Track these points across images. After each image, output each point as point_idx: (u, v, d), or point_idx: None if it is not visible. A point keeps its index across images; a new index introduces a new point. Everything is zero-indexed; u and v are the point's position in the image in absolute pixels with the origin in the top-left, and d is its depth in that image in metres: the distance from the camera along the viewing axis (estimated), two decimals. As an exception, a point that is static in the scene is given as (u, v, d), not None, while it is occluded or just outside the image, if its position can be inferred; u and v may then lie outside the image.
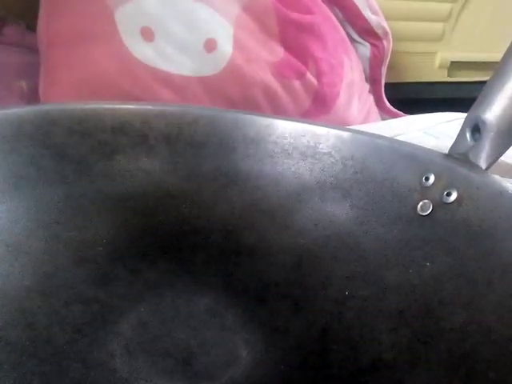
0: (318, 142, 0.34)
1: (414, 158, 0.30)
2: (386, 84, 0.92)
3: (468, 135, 0.29)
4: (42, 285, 0.28)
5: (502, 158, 0.28)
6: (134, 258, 0.31)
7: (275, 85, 0.69)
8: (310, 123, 0.35)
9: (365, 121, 0.83)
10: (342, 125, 0.70)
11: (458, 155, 0.29)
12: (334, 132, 0.33)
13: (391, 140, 0.34)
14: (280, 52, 0.71)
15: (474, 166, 0.28)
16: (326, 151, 0.34)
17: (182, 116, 0.35)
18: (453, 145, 0.30)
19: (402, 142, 0.33)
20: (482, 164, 0.28)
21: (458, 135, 0.30)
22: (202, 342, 0.26)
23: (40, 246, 0.30)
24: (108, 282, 0.29)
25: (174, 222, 0.33)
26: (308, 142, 0.34)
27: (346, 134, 0.33)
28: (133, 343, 0.25)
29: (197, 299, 0.29)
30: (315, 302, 0.28)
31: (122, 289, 0.28)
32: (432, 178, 0.29)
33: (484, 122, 0.28)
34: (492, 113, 0.28)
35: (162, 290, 0.29)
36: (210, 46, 0.65)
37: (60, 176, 0.32)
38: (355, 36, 0.87)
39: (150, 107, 0.35)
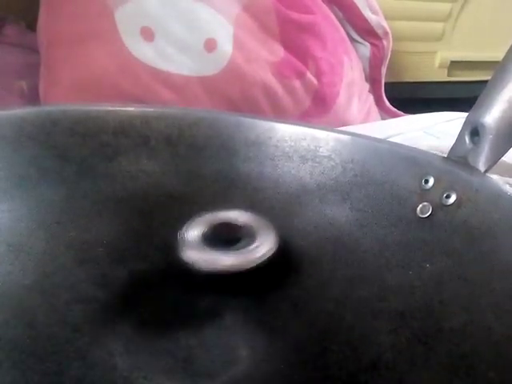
0: (318, 146, 0.34)
1: (414, 160, 0.30)
2: (385, 83, 0.92)
3: (467, 138, 0.29)
4: (43, 284, 0.28)
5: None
6: (135, 258, 0.31)
7: (275, 84, 0.69)
8: (310, 126, 0.35)
9: (365, 120, 0.83)
10: (341, 124, 0.70)
11: (458, 158, 0.30)
12: (333, 135, 0.34)
13: (391, 143, 0.34)
14: (280, 52, 0.71)
15: (473, 169, 0.28)
16: (326, 154, 0.34)
17: (183, 118, 0.35)
18: (452, 148, 0.30)
19: (401, 145, 0.33)
20: (481, 167, 0.28)
21: (457, 138, 0.30)
22: (202, 342, 0.26)
23: (41, 246, 0.30)
24: (108, 282, 0.29)
25: (174, 223, 0.33)
26: (308, 145, 0.34)
27: (345, 138, 0.33)
28: (133, 342, 0.25)
29: (197, 299, 0.29)
30: (315, 302, 0.28)
31: (122, 289, 0.29)
32: (431, 181, 0.29)
33: (483, 125, 0.28)
34: (491, 116, 0.28)
35: (162, 290, 0.29)
36: (210, 45, 0.65)
37: (61, 177, 0.32)
38: (355, 36, 0.88)
39: (151, 109, 0.35)
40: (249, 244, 0.28)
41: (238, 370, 0.24)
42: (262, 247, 0.28)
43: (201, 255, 0.27)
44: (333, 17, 0.82)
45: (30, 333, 0.25)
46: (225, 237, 0.29)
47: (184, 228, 0.29)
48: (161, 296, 0.28)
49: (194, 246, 0.28)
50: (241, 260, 0.27)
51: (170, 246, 0.29)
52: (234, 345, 0.26)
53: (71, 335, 0.25)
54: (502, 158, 0.29)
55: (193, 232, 0.28)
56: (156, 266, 0.30)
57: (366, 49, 0.88)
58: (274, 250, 0.28)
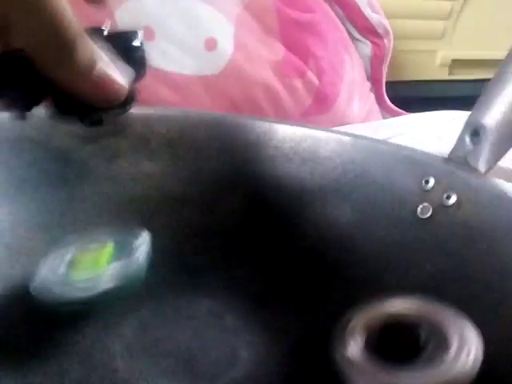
0: (319, 147, 0.34)
1: (414, 161, 0.31)
2: (386, 82, 0.91)
3: (467, 139, 0.29)
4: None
5: (504, 164, 0.29)
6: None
7: (276, 84, 0.69)
8: (310, 128, 0.35)
9: (366, 119, 0.83)
10: (342, 124, 0.70)
11: (458, 159, 0.30)
12: (334, 136, 0.34)
13: (391, 144, 0.34)
14: (281, 51, 0.71)
15: (473, 170, 0.29)
16: (326, 155, 0.34)
17: (183, 120, 0.35)
18: (452, 148, 0.30)
19: (401, 145, 0.33)
20: (481, 168, 0.28)
21: (458, 139, 0.30)
22: (203, 343, 0.26)
23: (41, 248, 0.30)
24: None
25: (175, 224, 0.33)
26: (308, 146, 0.34)
27: (346, 139, 0.34)
28: (134, 344, 0.25)
29: (198, 301, 0.29)
30: (316, 304, 0.28)
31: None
32: (432, 182, 0.29)
33: (483, 127, 0.28)
34: (491, 117, 0.28)
35: (163, 292, 0.29)
36: (211, 45, 0.65)
37: (62, 179, 0.32)
38: (356, 34, 0.87)
39: (151, 111, 0.35)
40: (437, 354, 0.19)
41: (239, 371, 0.25)
42: (464, 357, 0.18)
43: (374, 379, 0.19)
44: (333, 15, 0.81)
45: (31, 335, 0.25)
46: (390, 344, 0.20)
47: (339, 338, 0.20)
48: (161, 297, 0.29)
49: (360, 367, 0.19)
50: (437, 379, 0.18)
51: (167, 249, 0.29)
52: (235, 346, 0.26)
53: (72, 338, 0.25)
54: (506, 165, 0.29)
55: (354, 344, 0.20)
56: (157, 268, 0.30)
57: (367, 47, 0.88)
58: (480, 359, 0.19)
